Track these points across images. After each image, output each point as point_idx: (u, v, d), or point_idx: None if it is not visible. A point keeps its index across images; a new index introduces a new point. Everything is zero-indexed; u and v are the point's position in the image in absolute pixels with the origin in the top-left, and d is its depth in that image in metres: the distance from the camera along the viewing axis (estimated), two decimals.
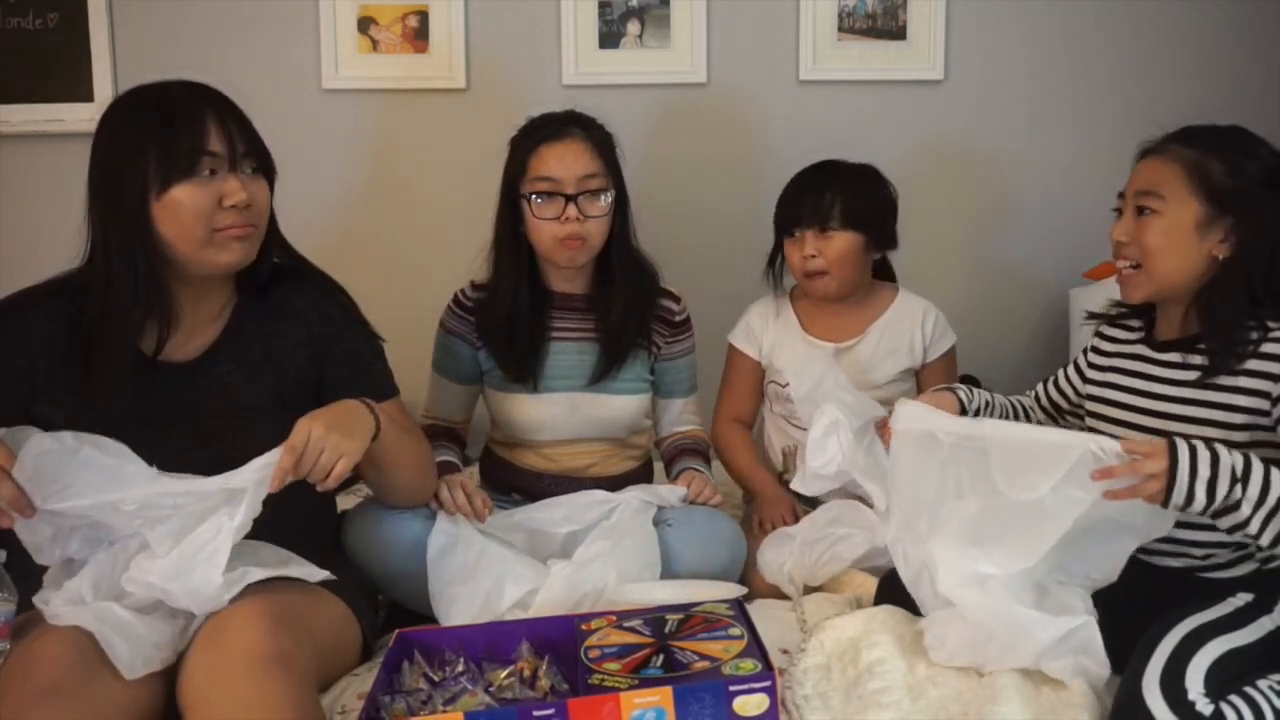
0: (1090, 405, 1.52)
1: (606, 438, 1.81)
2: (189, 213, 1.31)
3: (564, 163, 1.67)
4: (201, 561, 1.19)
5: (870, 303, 1.91)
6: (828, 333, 1.89)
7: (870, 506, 1.63)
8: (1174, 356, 1.40)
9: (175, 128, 1.31)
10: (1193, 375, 1.37)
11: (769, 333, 1.92)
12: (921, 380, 1.92)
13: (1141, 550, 1.40)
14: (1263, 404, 1.31)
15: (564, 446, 1.79)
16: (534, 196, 1.67)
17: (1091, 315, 1.57)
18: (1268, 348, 1.32)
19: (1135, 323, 1.50)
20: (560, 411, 1.76)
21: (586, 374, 1.76)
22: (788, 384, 1.84)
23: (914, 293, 1.96)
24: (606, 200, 1.70)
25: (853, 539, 1.59)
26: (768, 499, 1.81)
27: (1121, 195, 1.44)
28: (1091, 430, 1.51)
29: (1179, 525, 1.36)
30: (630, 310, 1.75)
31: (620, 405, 1.78)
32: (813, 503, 1.75)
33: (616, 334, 1.75)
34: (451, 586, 1.50)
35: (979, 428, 1.34)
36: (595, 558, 1.51)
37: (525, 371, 1.74)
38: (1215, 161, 1.34)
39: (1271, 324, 1.33)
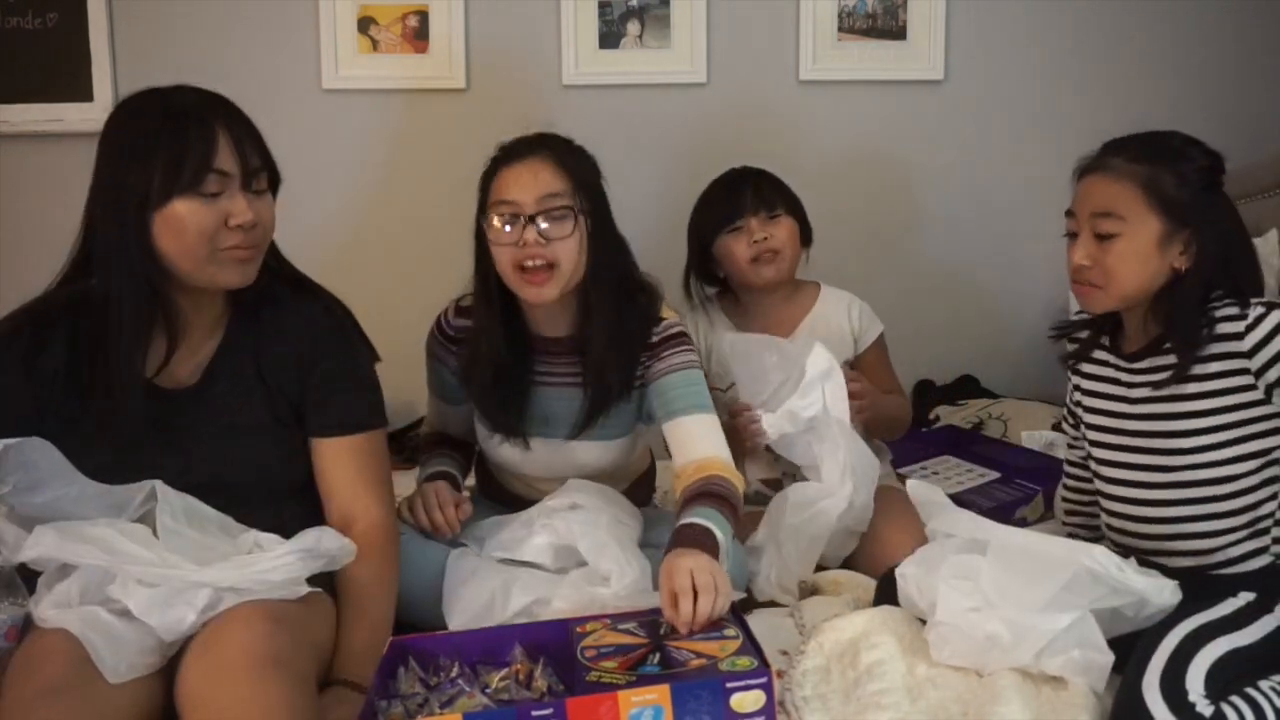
0: (1089, 434, 1.51)
1: (592, 476, 1.67)
2: (191, 230, 1.27)
3: (521, 183, 1.51)
4: (180, 603, 1.18)
5: (797, 301, 1.91)
6: (760, 333, 1.87)
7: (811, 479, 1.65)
8: (1145, 364, 1.41)
9: (185, 139, 1.26)
10: (1166, 375, 1.37)
11: (701, 340, 1.89)
12: (859, 370, 1.88)
13: (1152, 551, 1.41)
14: (1245, 380, 1.32)
15: (550, 482, 1.69)
16: (492, 222, 1.53)
17: (1063, 359, 1.57)
18: (1222, 327, 1.33)
19: (1102, 339, 1.49)
20: (541, 455, 1.65)
21: (569, 421, 1.61)
22: (727, 390, 1.83)
23: (839, 289, 1.94)
24: (571, 223, 1.51)
25: (818, 516, 1.60)
26: (736, 429, 1.73)
27: (1070, 214, 1.41)
28: (1088, 439, 1.51)
29: (1191, 519, 1.37)
30: (611, 348, 1.57)
31: (601, 451, 1.65)
32: (776, 486, 1.76)
33: (598, 375, 1.58)
34: (460, 587, 1.49)
35: (985, 531, 1.34)
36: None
37: (507, 425, 1.63)
38: (1166, 174, 1.34)
39: (1212, 304, 1.34)
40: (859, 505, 1.61)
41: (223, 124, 1.29)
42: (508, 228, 1.51)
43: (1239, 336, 1.32)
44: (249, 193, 1.31)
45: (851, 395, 1.67)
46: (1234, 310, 1.33)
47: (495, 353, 1.59)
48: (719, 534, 1.37)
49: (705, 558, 1.30)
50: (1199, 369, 1.34)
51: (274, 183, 1.38)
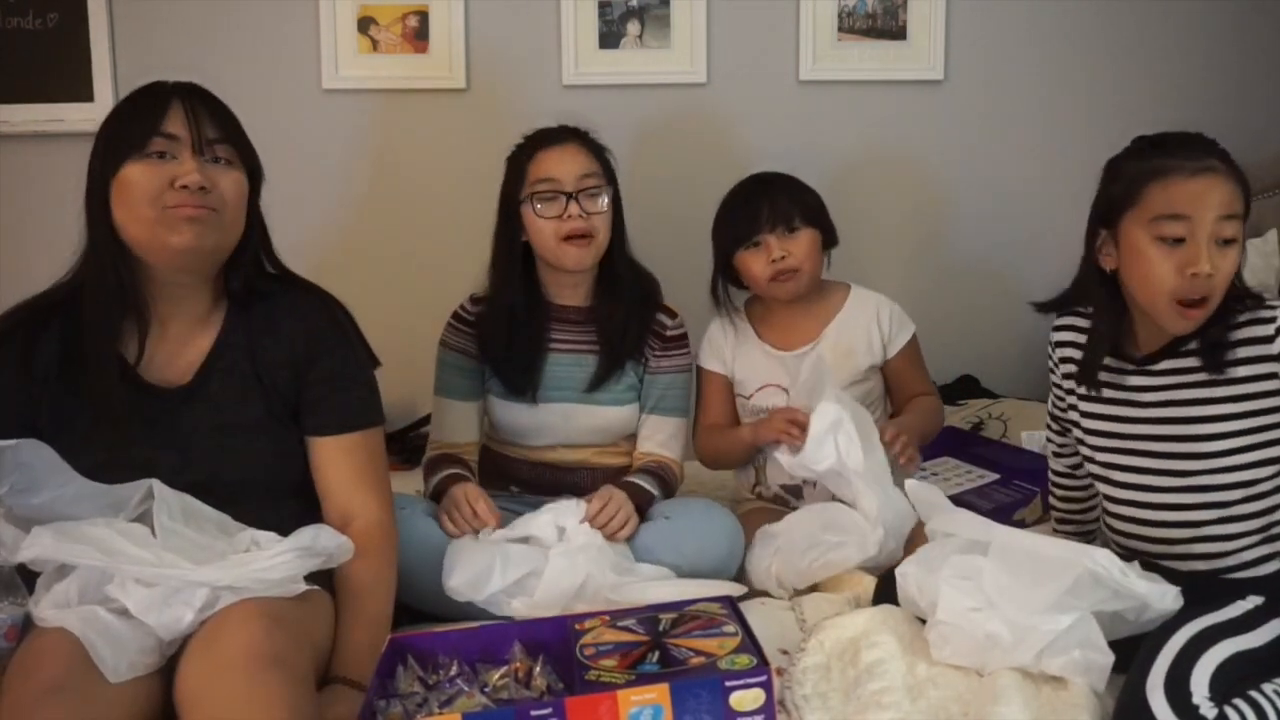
0: (1089, 439, 1.48)
1: (598, 443, 1.83)
2: (138, 192, 1.28)
3: (562, 163, 1.72)
4: (178, 602, 1.18)
5: (823, 304, 1.87)
6: (784, 340, 1.86)
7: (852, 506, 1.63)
8: (1163, 365, 1.39)
9: (138, 110, 1.31)
10: (1192, 377, 1.36)
11: (728, 345, 1.89)
12: (888, 375, 1.88)
13: (1162, 556, 1.40)
14: (1273, 385, 1.31)
15: (558, 449, 1.82)
16: (535, 200, 1.71)
17: (1080, 380, 1.48)
18: (1248, 331, 1.32)
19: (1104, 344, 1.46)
20: (554, 420, 1.79)
21: (582, 385, 1.79)
22: (751, 396, 1.84)
23: (870, 290, 1.91)
24: (605, 199, 1.74)
25: (845, 548, 1.58)
26: (765, 424, 1.75)
27: (1177, 218, 1.29)
28: (1088, 444, 1.49)
29: (1206, 523, 1.36)
30: (630, 316, 1.79)
31: (613, 415, 1.81)
32: (796, 492, 1.76)
33: (617, 340, 1.78)
34: (459, 555, 1.52)
35: (987, 532, 1.34)
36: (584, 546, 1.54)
37: (524, 385, 1.77)
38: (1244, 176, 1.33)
39: (1235, 308, 1.34)
40: (886, 554, 1.59)
41: (180, 97, 1.32)
42: (550, 204, 1.70)
43: (1268, 339, 1.31)
44: (203, 160, 1.31)
45: (890, 444, 1.65)
46: (1261, 313, 1.32)
47: (510, 313, 1.76)
48: (656, 496, 1.73)
49: (632, 509, 1.64)
50: (1226, 372, 1.33)
51: (251, 171, 1.38)
